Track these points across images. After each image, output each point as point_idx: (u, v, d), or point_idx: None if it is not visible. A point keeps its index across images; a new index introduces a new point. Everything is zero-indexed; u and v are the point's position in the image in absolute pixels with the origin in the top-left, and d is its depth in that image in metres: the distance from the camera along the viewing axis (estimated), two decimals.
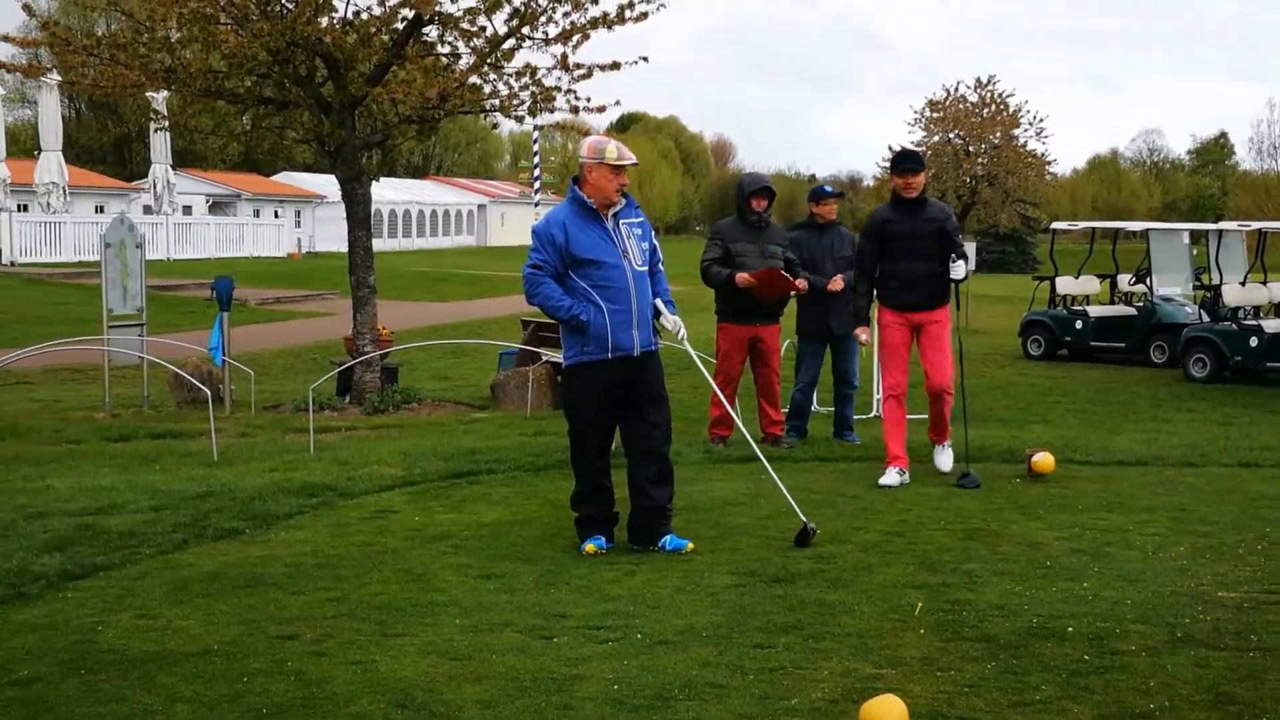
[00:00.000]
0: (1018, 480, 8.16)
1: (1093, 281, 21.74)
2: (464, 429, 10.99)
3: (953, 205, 59.25)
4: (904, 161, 8.34)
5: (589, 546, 6.33)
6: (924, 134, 59.93)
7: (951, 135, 59.46)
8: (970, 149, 59.21)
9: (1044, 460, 8.17)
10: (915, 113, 60.83)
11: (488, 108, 12.91)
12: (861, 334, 8.55)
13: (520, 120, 13.23)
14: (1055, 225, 23.25)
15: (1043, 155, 59.81)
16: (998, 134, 58.85)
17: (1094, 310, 20.63)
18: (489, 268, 48.46)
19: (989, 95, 59.27)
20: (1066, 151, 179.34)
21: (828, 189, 10.18)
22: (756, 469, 8.56)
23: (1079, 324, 20.30)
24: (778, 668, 4.57)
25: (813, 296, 9.78)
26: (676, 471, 8.43)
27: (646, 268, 6.40)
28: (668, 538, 6.37)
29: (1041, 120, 60.92)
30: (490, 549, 6.35)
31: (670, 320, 6.45)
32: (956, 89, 59.76)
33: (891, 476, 8.07)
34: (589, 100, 12.80)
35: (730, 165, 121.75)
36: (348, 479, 8.08)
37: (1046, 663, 4.59)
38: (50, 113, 35.90)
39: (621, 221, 6.31)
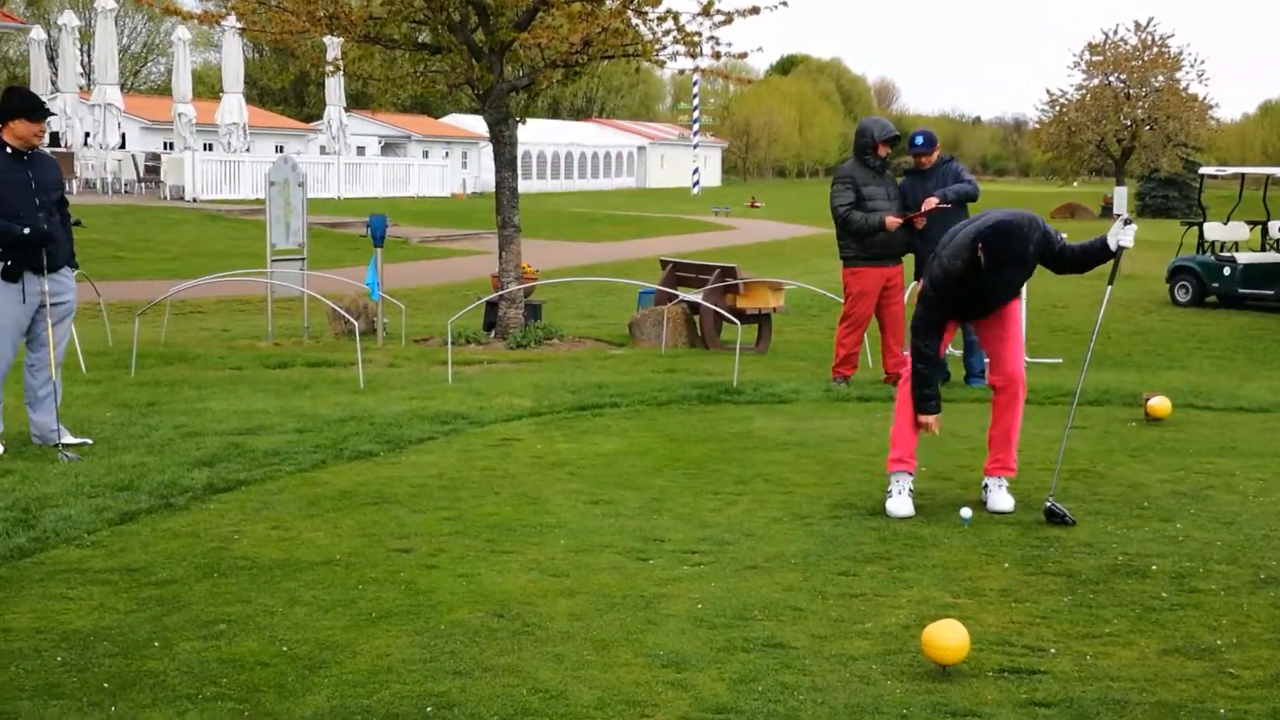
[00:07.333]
0: (1133, 424, 8.10)
1: (1242, 228, 21.18)
2: (599, 364, 11.33)
3: (1113, 149, 57.35)
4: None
5: None
6: (1084, 76, 58.26)
7: (1111, 78, 57.54)
8: (1130, 92, 57.15)
9: (1160, 405, 8.07)
10: (1075, 55, 58.88)
11: (630, 53, 13.13)
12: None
13: (661, 65, 13.42)
14: (1203, 170, 22.83)
15: (1204, 99, 57.54)
16: (1159, 77, 56.67)
17: (1242, 257, 20.09)
18: (645, 209, 48.82)
19: (1149, 38, 57.07)
20: (1238, 97, 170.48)
21: (917, 140, 9.81)
22: (872, 408, 8.71)
23: (1227, 270, 19.77)
24: (858, 594, 4.76)
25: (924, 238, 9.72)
26: (796, 409, 8.66)
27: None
28: None
29: (1203, 63, 58.34)
30: (603, 477, 6.65)
31: None
32: (1116, 31, 57.94)
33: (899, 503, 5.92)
34: (730, 45, 12.92)
35: (893, 107, 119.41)
36: (480, 408, 8.48)
37: (1123, 598, 4.67)
38: (232, 56, 37.44)
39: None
